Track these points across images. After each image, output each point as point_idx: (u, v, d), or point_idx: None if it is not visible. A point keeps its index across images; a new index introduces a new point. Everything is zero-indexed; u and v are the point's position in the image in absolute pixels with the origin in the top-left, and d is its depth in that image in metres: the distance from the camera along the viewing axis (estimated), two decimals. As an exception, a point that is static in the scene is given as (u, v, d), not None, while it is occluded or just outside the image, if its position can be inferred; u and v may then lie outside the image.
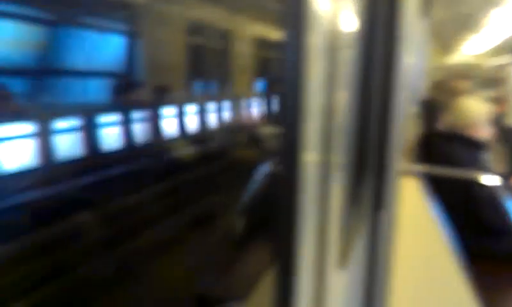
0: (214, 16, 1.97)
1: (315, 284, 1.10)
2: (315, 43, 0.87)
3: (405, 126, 1.74)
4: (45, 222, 1.08)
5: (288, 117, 0.83)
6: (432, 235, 2.93)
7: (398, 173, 1.75)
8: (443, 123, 3.73)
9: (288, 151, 0.87)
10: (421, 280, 2.48)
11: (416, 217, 3.02)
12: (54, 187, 1.16)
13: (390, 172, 1.68)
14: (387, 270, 1.95)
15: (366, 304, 1.86)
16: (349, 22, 1.13)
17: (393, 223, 1.86)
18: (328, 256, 1.18)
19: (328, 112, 1.00)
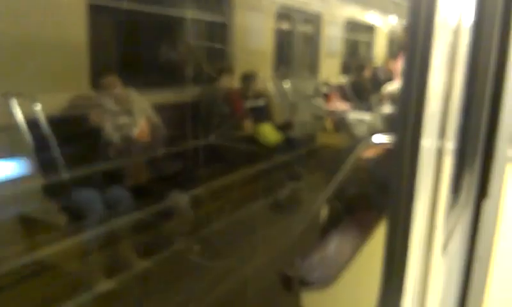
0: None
1: (422, 267, 1.11)
2: (441, 23, 0.86)
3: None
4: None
5: (411, 99, 0.84)
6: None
7: (507, 159, 1.65)
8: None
9: (408, 135, 0.88)
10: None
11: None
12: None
13: (499, 159, 1.59)
14: (487, 261, 1.87)
15: (463, 293, 1.80)
16: (470, 5, 1.09)
17: (497, 213, 1.77)
18: (434, 241, 1.18)
19: (447, 96, 0.98)
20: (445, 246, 1.43)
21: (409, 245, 0.97)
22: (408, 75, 0.85)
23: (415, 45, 0.82)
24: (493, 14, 1.43)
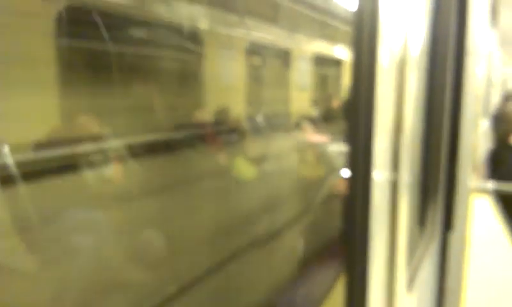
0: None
1: (385, 308, 1.06)
2: (385, 59, 0.85)
3: (476, 142, 1.66)
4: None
5: (359, 134, 0.81)
6: (505, 255, 2.73)
7: (469, 190, 1.65)
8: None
9: (358, 170, 0.85)
10: (493, 304, 2.31)
11: (487, 237, 2.82)
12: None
13: (462, 190, 1.59)
14: (458, 295, 1.84)
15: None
16: (418, 39, 1.10)
17: (464, 244, 1.75)
18: (397, 280, 1.13)
19: (397, 129, 0.97)
20: (411, 282, 1.39)
21: (367, 286, 0.92)
22: (354, 107, 0.83)
23: (358, 77, 0.80)
24: (445, 44, 1.46)
